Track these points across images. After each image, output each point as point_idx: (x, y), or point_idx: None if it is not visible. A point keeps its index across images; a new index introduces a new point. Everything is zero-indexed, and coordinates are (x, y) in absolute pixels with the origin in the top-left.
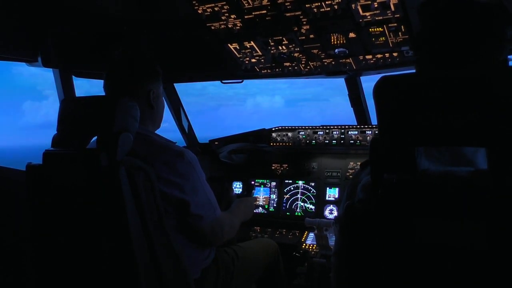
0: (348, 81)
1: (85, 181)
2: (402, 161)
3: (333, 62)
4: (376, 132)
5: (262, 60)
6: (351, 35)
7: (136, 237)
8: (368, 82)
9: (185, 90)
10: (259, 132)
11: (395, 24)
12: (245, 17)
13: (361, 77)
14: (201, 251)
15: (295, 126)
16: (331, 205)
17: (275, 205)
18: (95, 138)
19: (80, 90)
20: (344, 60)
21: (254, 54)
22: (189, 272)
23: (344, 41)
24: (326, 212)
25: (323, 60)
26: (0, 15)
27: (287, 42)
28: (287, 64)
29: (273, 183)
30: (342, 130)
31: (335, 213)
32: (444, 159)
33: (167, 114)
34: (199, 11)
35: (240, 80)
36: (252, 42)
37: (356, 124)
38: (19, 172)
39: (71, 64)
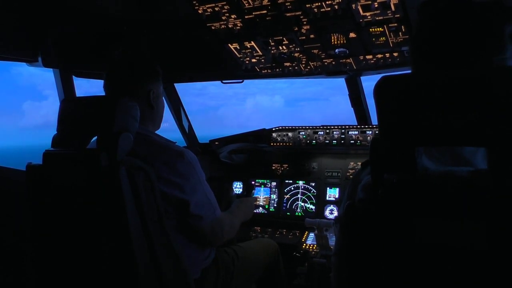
0: (348, 81)
1: (85, 181)
2: (402, 161)
3: (333, 62)
4: (377, 132)
5: (263, 60)
6: (352, 35)
7: (136, 237)
8: (368, 82)
9: (185, 90)
10: (259, 132)
11: (396, 24)
12: (246, 17)
13: (361, 77)
14: (201, 251)
15: (295, 126)
16: (332, 205)
17: (275, 205)
18: (95, 138)
19: (80, 90)
20: (344, 60)
21: (255, 54)
22: (189, 272)
23: (345, 41)
24: (327, 212)
25: (323, 60)
26: (0, 15)
27: (287, 42)
28: (288, 64)
29: (274, 183)
30: (343, 130)
31: (336, 213)
32: (444, 159)
33: (167, 114)
34: (199, 11)
35: (241, 80)
36: (252, 42)
37: (356, 124)
38: (19, 172)
39: (71, 64)
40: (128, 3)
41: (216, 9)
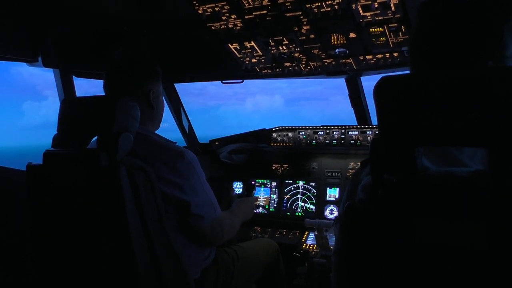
0: (348, 81)
1: (85, 181)
2: (402, 161)
3: (333, 62)
4: (377, 132)
5: (263, 60)
6: (352, 35)
7: (136, 237)
8: (368, 82)
9: (185, 90)
10: (260, 132)
11: (396, 24)
12: (246, 17)
13: (361, 77)
14: (201, 251)
15: (296, 126)
16: (332, 205)
17: (275, 205)
18: (95, 138)
19: (80, 90)
20: (344, 60)
21: (255, 54)
22: (189, 272)
23: (345, 41)
24: (327, 212)
25: (324, 60)
26: (0, 15)
27: (287, 42)
28: (288, 64)
29: (274, 183)
30: (343, 130)
31: (336, 213)
32: (444, 159)
33: (167, 114)
34: (199, 11)
35: (241, 80)
36: (252, 42)
37: (356, 124)
38: (19, 172)
39: (71, 64)
40: (128, 3)
41: (216, 9)
